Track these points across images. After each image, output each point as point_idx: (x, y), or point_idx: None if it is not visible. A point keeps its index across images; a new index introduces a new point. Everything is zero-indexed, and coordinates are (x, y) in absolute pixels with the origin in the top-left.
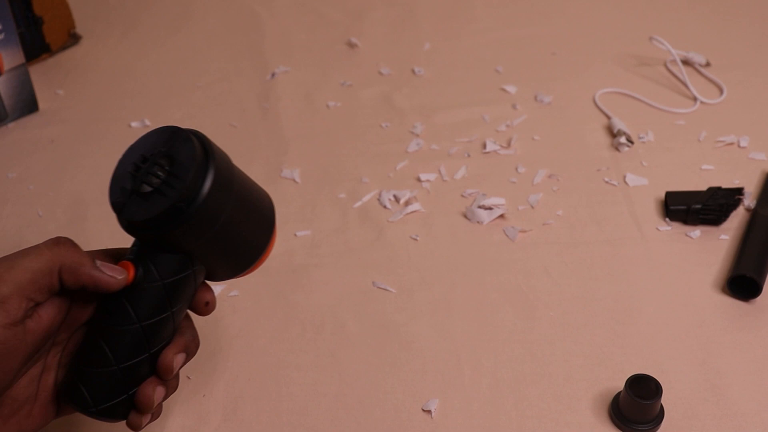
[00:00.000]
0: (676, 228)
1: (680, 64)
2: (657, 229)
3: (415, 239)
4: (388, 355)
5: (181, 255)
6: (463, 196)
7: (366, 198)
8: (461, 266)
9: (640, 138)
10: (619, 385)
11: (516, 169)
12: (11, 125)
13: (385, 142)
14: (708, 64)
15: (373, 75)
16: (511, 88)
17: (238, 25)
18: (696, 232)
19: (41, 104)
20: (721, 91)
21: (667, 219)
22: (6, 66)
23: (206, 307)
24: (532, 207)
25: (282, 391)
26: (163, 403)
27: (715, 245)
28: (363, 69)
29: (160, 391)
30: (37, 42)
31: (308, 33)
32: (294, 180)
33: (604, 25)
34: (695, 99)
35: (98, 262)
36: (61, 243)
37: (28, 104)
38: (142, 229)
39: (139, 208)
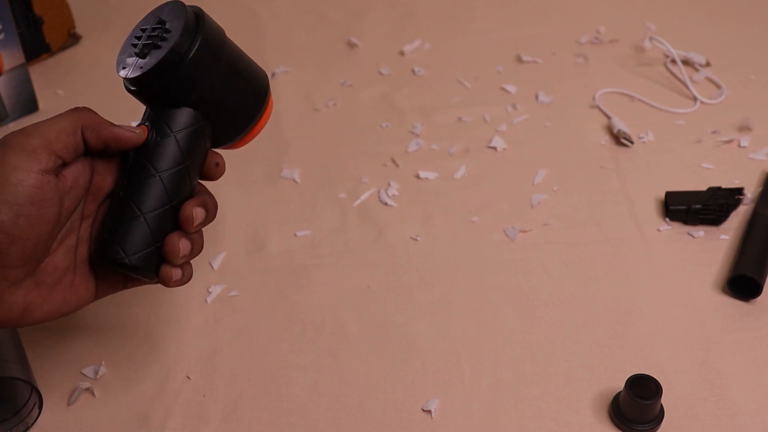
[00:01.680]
0: (676, 228)
1: (680, 64)
2: (657, 229)
3: (415, 239)
4: (388, 355)
5: (188, 109)
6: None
7: (365, 197)
8: (461, 266)
9: (640, 138)
10: (619, 385)
11: (516, 169)
12: (11, 125)
13: (385, 142)
14: (708, 64)
15: (373, 75)
16: (511, 88)
17: (238, 25)
18: (696, 232)
19: (41, 104)
20: (721, 91)
21: (667, 219)
22: (6, 66)
23: (217, 168)
24: (532, 207)
25: (282, 391)
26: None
27: (715, 245)
28: (363, 69)
29: (185, 243)
30: (37, 42)
31: (308, 33)
32: (294, 180)
33: (604, 25)
34: (695, 99)
35: (116, 123)
36: (81, 109)
37: (28, 104)
38: (147, 85)
39: (141, 66)
